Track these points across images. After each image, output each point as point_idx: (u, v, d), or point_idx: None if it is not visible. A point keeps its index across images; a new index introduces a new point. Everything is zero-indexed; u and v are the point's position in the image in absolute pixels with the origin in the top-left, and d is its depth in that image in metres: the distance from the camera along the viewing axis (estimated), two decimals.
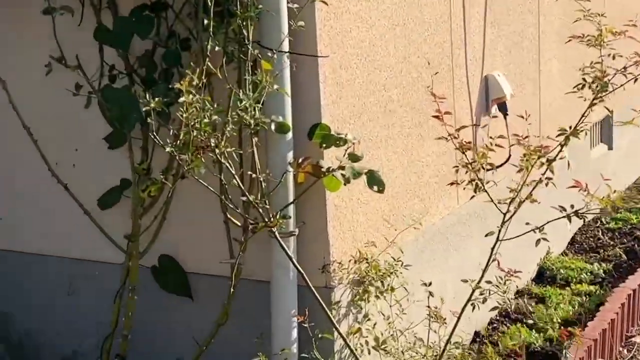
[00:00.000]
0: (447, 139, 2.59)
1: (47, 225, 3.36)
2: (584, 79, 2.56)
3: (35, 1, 2.97)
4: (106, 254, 3.15)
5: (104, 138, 3.04)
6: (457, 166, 2.57)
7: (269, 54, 2.63)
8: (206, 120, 2.41)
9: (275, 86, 2.52)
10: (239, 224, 2.78)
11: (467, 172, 2.55)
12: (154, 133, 2.50)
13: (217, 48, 2.61)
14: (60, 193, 3.10)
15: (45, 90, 3.19)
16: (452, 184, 2.60)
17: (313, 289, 2.70)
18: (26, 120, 3.09)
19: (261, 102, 2.57)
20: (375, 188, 2.74)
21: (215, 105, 2.46)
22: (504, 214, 2.62)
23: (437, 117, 2.63)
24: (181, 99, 2.39)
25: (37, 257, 3.41)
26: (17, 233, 3.46)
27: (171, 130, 2.46)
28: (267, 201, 2.63)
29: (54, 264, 3.38)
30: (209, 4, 2.53)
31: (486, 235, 2.61)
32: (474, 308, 2.74)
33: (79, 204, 3.02)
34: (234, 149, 2.53)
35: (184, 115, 2.39)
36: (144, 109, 2.39)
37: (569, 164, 2.58)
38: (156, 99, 2.37)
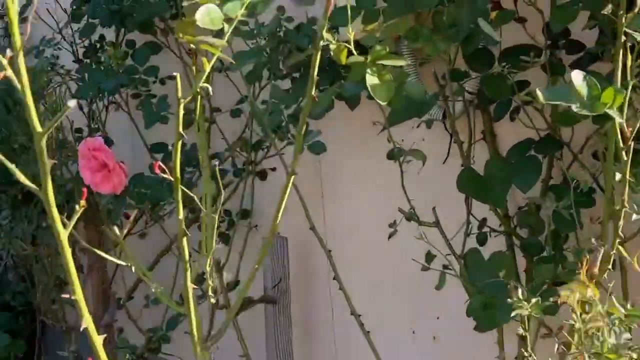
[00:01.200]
0: None
1: None
2: None
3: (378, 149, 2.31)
4: None
5: (467, 314, 2.25)
6: None
7: None
8: (612, 340, 1.50)
9: None
10: None
11: None
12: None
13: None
14: None
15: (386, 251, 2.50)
16: None
17: None
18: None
19: None
20: None
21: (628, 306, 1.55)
22: None
23: None
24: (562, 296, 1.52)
25: None
26: None
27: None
28: None
29: None
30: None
31: None
32: None
33: None
34: None
35: (576, 325, 1.52)
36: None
37: None
38: (533, 300, 1.53)
